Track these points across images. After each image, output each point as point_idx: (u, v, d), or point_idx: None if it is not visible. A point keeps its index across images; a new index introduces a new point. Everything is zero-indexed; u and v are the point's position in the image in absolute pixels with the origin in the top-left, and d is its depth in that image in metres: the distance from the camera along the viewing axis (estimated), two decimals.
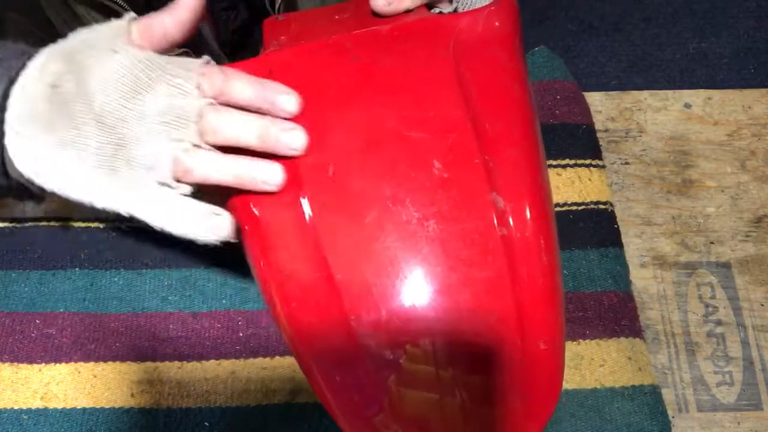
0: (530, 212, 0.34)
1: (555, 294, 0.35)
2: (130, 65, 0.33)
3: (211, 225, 0.34)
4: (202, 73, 0.33)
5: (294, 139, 0.34)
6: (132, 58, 0.33)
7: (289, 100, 0.34)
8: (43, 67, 0.33)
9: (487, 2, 0.41)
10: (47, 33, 0.53)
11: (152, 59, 0.33)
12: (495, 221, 0.34)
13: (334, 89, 0.36)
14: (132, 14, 0.35)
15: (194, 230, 0.34)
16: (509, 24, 0.39)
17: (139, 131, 0.33)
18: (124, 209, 0.34)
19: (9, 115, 0.33)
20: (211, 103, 0.33)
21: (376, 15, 0.41)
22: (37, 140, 0.32)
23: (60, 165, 0.33)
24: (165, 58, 0.34)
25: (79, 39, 0.34)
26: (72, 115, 0.32)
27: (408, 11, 0.41)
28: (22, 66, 0.33)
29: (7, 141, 0.33)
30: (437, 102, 0.36)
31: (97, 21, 0.51)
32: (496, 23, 0.39)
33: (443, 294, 0.33)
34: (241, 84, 0.34)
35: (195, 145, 0.33)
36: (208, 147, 0.34)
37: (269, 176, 0.33)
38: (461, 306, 0.33)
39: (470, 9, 0.42)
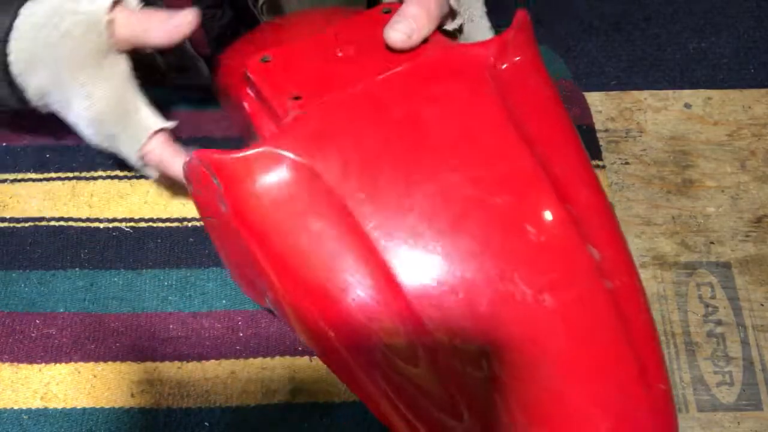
0: (622, 256, 0.33)
1: (656, 331, 0.34)
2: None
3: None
4: None
5: None
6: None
7: None
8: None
9: (485, 20, 0.39)
10: None
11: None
12: (598, 275, 0.32)
13: (387, 155, 0.33)
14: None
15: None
16: (533, 46, 0.37)
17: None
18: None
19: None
20: None
21: (390, 49, 0.37)
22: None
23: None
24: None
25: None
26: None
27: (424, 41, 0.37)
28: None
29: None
30: (502, 152, 0.33)
31: None
32: (523, 49, 0.36)
33: (575, 373, 0.31)
34: None
35: None
36: None
37: None
38: (592, 379, 0.31)
39: (471, 23, 0.40)
